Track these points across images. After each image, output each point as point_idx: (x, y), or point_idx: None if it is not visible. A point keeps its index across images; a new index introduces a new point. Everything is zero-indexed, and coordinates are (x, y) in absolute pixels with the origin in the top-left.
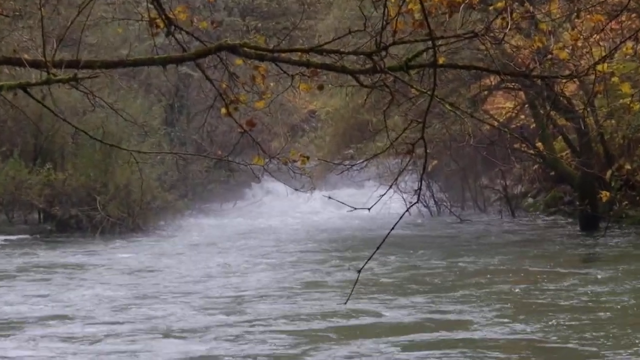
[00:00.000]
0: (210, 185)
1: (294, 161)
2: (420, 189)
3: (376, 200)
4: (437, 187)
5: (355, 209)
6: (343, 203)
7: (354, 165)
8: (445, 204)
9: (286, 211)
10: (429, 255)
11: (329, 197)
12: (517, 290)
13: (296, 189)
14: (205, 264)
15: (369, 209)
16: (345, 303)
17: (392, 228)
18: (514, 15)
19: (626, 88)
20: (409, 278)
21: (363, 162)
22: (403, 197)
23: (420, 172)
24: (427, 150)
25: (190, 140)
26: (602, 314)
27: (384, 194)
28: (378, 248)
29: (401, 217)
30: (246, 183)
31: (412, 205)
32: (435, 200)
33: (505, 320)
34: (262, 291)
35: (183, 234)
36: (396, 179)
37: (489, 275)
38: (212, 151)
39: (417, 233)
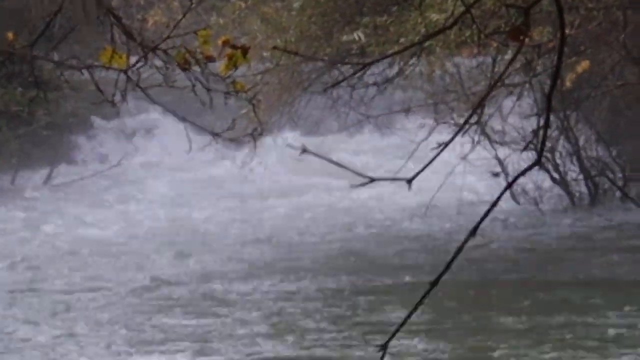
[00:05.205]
0: None
1: (209, 59)
2: (544, 131)
3: (427, 162)
4: (588, 130)
5: (373, 180)
6: (341, 166)
7: (364, 67)
8: (609, 173)
9: (184, 193)
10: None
11: (303, 151)
12: None
13: (216, 135)
14: None
15: (408, 182)
16: None
17: (468, 239)
18: None
19: None
20: None
21: (387, 57)
22: (496, 156)
23: (545, 90)
24: (565, 31)
25: None
26: None
27: (447, 143)
28: (427, 293)
29: (493, 206)
30: (81, 119)
31: (520, 176)
32: (582, 165)
33: None
34: None
35: None
36: (478, 107)
37: None
38: None
39: (533, 253)
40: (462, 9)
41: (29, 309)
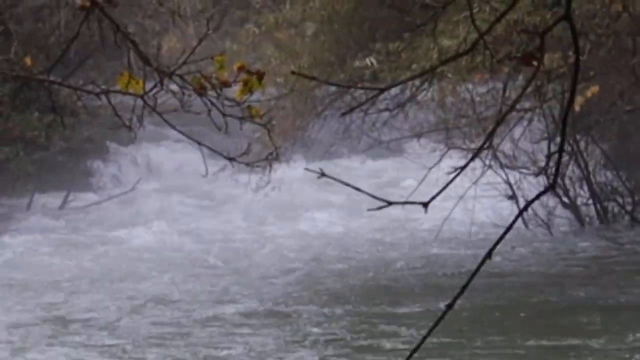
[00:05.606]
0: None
1: (225, 85)
2: (559, 156)
3: (442, 186)
4: (599, 155)
5: (390, 204)
6: (359, 190)
7: (379, 92)
8: (619, 198)
9: (198, 216)
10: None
11: (322, 174)
12: None
13: (231, 159)
14: None
15: (425, 206)
16: None
17: (483, 263)
18: None
19: None
20: None
21: (403, 82)
22: (507, 180)
23: (559, 113)
24: (580, 56)
25: None
26: None
27: (462, 167)
28: (443, 316)
29: (507, 230)
30: (98, 145)
31: (534, 200)
32: (592, 189)
33: None
34: None
35: None
36: (492, 134)
37: None
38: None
39: (544, 277)
40: (473, 34)
41: (51, 336)
